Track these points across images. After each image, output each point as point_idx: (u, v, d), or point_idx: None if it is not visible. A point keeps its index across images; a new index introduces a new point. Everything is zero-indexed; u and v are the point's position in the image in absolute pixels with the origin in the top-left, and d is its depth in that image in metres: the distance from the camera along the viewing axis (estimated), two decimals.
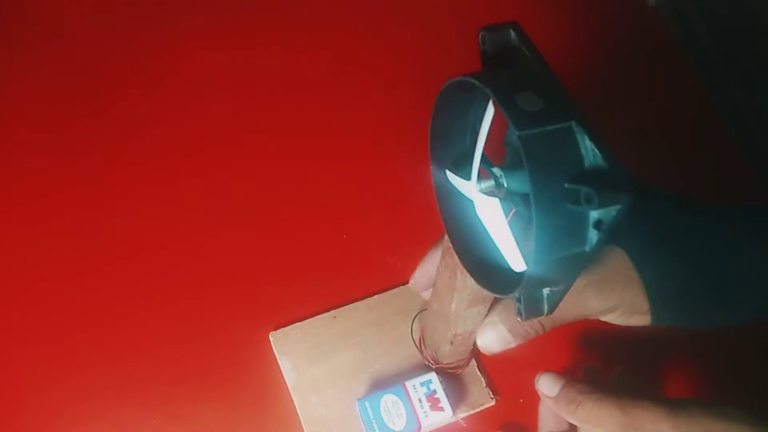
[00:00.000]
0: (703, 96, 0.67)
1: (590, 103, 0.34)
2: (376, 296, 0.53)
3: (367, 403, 0.46)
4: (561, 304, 0.36)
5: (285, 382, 0.49)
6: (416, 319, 0.51)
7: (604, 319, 0.41)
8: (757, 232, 0.43)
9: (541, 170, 0.27)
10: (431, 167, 0.37)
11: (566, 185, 0.28)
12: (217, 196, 0.57)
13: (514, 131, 0.28)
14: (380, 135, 0.63)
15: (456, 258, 0.38)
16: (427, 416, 0.46)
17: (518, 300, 0.35)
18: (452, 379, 0.48)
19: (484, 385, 0.50)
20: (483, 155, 0.32)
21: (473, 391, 0.49)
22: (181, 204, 0.56)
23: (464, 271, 0.38)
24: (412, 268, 0.49)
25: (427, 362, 0.49)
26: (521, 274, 0.32)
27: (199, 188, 0.57)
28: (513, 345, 0.42)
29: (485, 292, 0.39)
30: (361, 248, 0.56)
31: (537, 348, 0.44)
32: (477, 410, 0.49)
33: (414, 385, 0.47)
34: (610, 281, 0.40)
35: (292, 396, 0.48)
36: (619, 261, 0.40)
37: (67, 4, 0.67)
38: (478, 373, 0.50)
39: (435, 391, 0.47)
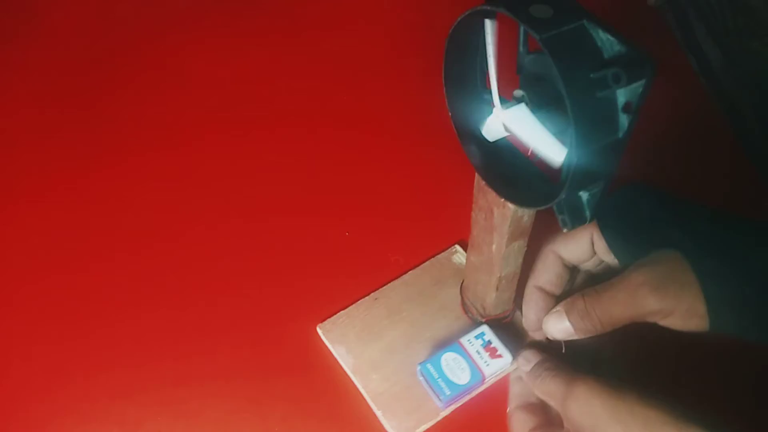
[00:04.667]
0: (703, 96, 0.67)
1: None
2: (409, 272, 0.55)
3: (429, 365, 0.47)
4: (617, 304, 0.39)
5: (342, 368, 0.50)
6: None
7: (661, 323, 0.41)
8: None
9: (568, 65, 0.30)
10: (450, 112, 0.40)
11: (592, 75, 0.31)
12: (216, 196, 0.57)
13: (525, 54, 0.31)
14: (382, 133, 0.64)
15: (489, 197, 0.41)
16: (488, 365, 0.47)
17: (560, 211, 0.37)
18: (502, 329, 0.50)
19: None
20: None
21: (524, 338, 0.51)
22: (179, 204, 0.56)
23: (501, 204, 0.40)
24: (415, 265, 0.54)
25: (474, 319, 0.51)
26: (556, 188, 0.35)
27: (198, 188, 0.57)
28: (574, 337, 0.43)
29: (524, 221, 0.41)
30: (364, 246, 0.56)
31: None
32: None
33: (469, 340, 0.48)
34: (666, 282, 0.39)
35: (353, 378, 0.49)
36: (675, 263, 0.40)
37: (65, 4, 0.67)
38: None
39: (490, 341, 0.48)
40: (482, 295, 0.49)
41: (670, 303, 0.39)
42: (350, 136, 0.64)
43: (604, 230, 0.44)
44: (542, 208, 0.37)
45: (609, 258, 0.45)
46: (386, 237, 0.57)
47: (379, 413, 0.47)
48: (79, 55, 0.64)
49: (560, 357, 0.44)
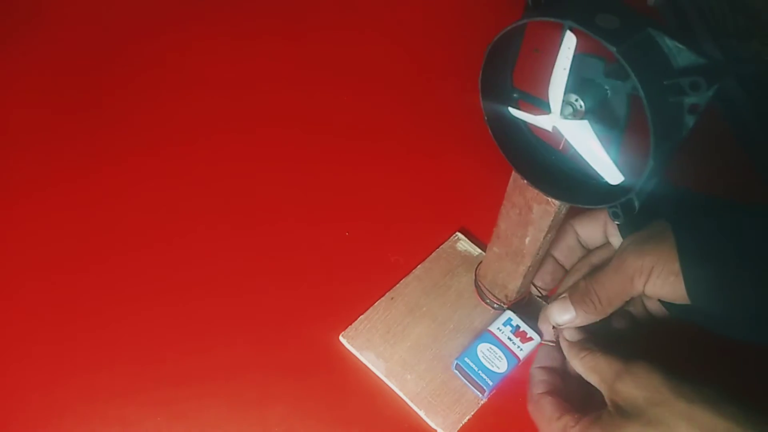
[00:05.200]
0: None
1: None
2: (419, 266, 0.55)
3: (466, 359, 0.48)
4: (610, 277, 0.41)
5: (373, 373, 0.49)
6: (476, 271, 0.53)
7: (646, 291, 0.42)
8: None
9: (644, 74, 0.31)
10: (486, 112, 0.40)
11: (665, 82, 0.31)
12: (215, 196, 0.57)
13: (582, 57, 0.32)
14: (381, 133, 0.63)
15: (528, 194, 0.41)
16: (521, 349, 0.49)
17: (613, 204, 0.38)
18: (521, 311, 0.51)
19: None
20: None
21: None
22: (179, 204, 0.56)
23: (543, 201, 0.41)
24: (416, 266, 0.54)
25: (492, 305, 0.52)
26: (609, 186, 0.36)
27: (197, 188, 0.57)
28: (576, 323, 0.45)
29: (562, 215, 0.42)
30: (364, 246, 0.56)
31: None
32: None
33: (498, 328, 0.49)
34: (646, 241, 0.41)
35: (388, 382, 0.49)
36: (659, 226, 0.42)
37: (65, 4, 0.66)
38: (539, 299, 0.53)
39: (518, 326, 0.50)
40: (505, 283, 0.50)
41: (648, 260, 0.41)
42: (350, 136, 0.63)
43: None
44: (603, 207, 0.38)
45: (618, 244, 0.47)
46: (386, 237, 0.56)
47: (421, 413, 0.48)
48: (79, 54, 0.64)
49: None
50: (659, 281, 0.41)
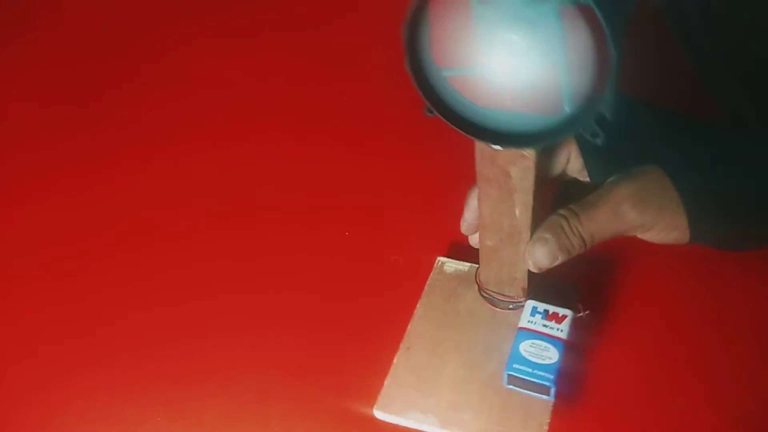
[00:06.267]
0: (704, 96, 0.65)
1: None
2: (417, 307, 0.50)
3: (515, 365, 0.43)
4: (599, 221, 0.40)
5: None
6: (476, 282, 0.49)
7: (642, 236, 0.42)
8: None
9: None
10: (427, 100, 0.37)
11: None
12: (215, 197, 0.57)
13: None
14: (381, 132, 0.63)
15: (500, 159, 0.38)
16: (561, 330, 0.44)
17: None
18: (540, 295, 0.47)
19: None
20: None
21: (561, 289, 0.48)
22: (178, 204, 0.56)
23: (517, 159, 0.38)
24: (416, 266, 0.52)
25: (512, 306, 0.47)
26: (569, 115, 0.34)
27: (197, 188, 0.57)
28: (559, 261, 0.43)
29: (546, 170, 0.39)
30: (364, 246, 0.55)
31: None
32: None
33: (529, 321, 0.45)
34: (647, 196, 0.41)
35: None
36: (655, 177, 0.41)
37: (64, 4, 0.67)
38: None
39: (546, 310, 0.45)
40: (512, 275, 0.46)
41: (651, 218, 0.41)
42: (349, 135, 0.63)
43: (584, 150, 0.44)
44: (578, 132, 0.35)
45: (580, 176, 0.46)
46: (386, 237, 0.55)
47: None
48: (79, 54, 0.64)
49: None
50: (661, 235, 0.42)
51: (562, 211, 0.42)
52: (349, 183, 0.59)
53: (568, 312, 0.45)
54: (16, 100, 0.61)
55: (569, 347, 0.44)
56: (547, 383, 0.42)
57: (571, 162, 0.45)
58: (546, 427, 0.42)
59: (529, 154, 0.38)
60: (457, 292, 0.50)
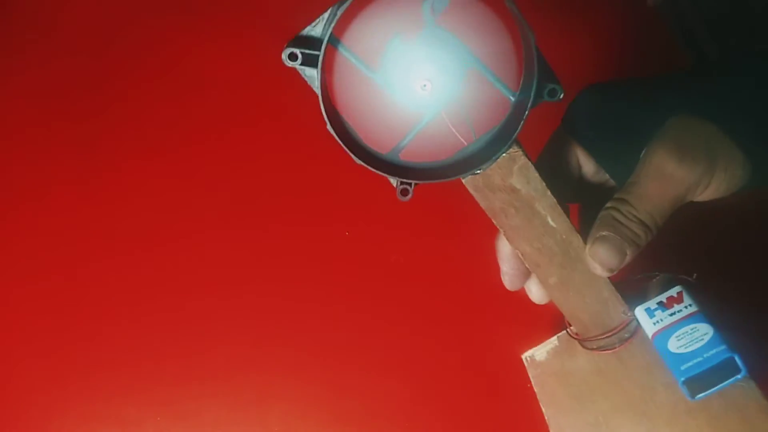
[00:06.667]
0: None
1: None
2: (543, 412, 0.39)
3: (683, 368, 0.34)
4: (650, 197, 0.35)
5: None
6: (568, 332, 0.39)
7: (703, 195, 0.36)
8: None
9: None
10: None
11: None
12: (215, 196, 0.55)
13: None
14: None
15: (495, 180, 0.35)
16: (688, 306, 0.36)
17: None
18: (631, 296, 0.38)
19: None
20: None
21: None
22: (179, 205, 0.55)
23: (508, 167, 0.35)
24: (416, 266, 0.52)
25: (627, 336, 0.38)
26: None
27: (197, 189, 0.56)
28: (629, 256, 0.36)
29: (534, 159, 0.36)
30: (364, 246, 0.54)
31: None
32: None
33: (654, 323, 0.36)
34: (688, 146, 0.35)
35: None
36: (686, 125, 0.36)
37: (64, 4, 0.65)
38: None
39: (660, 302, 0.37)
40: (599, 296, 0.37)
41: (703, 166, 0.35)
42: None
43: (589, 147, 0.40)
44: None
45: (599, 178, 0.41)
46: (386, 237, 0.54)
47: None
48: (79, 54, 0.63)
49: None
50: (721, 184, 0.35)
51: (608, 204, 0.36)
52: (350, 183, 0.57)
53: (676, 287, 0.37)
54: (14, 101, 0.60)
55: (705, 318, 0.36)
56: (726, 355, 0.33)
57: (584, 165, 0.41)
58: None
59: (513, 151, 0.34)
60: (566, 369, 0.40)
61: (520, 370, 0.46)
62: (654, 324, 0.35)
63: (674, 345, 0.34)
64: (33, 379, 0.47)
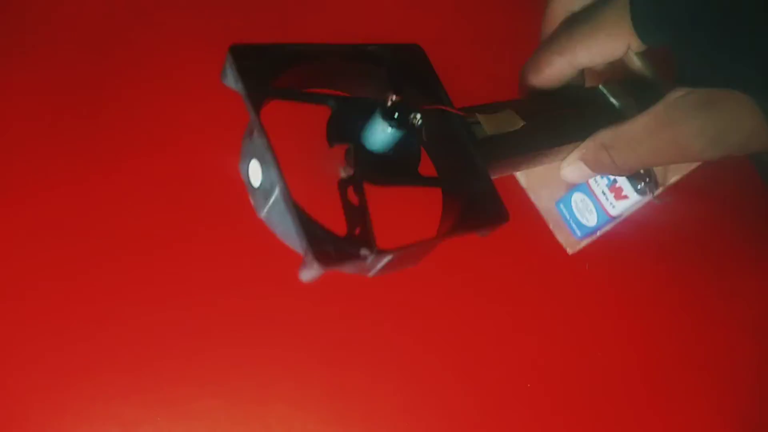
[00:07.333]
0: None
1: None
2: None
3: (561, 205, 0.42)
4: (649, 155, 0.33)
5: None
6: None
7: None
8: None
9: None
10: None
11: None
12: (216, 197, 0.56)
13: None
14: None
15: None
16: (614, 207, 0.40)
17: None
18: None
19: None
20: None
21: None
22: (179, 205, 0.56)
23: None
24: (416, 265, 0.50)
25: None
26: None
27: (198, 189, 0.57)
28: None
29: None
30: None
31: None
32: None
33: (596, 180, 0.41)
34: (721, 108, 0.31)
35: None
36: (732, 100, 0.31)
37: (64, 5, 0.65)
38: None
39: (615, 180, 0.40)
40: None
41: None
42: None
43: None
44: None
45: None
46: (386, 237, 0.49)
47: None
48: (78, 54, 0.63)
49: None
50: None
51: (602, 139, 0.34)
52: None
53: (633, 195, 0.39)
54: (14, 102, 0.61)
55: (610, 222, 0.40)
56: (574, 235, 0.41)
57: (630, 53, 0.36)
58: None
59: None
60: None
61: (520, 370, 0.50)
62: (594, 180, 0.39)
63: (577, 198, 0.40)
64: (33, 380, 0.48)
